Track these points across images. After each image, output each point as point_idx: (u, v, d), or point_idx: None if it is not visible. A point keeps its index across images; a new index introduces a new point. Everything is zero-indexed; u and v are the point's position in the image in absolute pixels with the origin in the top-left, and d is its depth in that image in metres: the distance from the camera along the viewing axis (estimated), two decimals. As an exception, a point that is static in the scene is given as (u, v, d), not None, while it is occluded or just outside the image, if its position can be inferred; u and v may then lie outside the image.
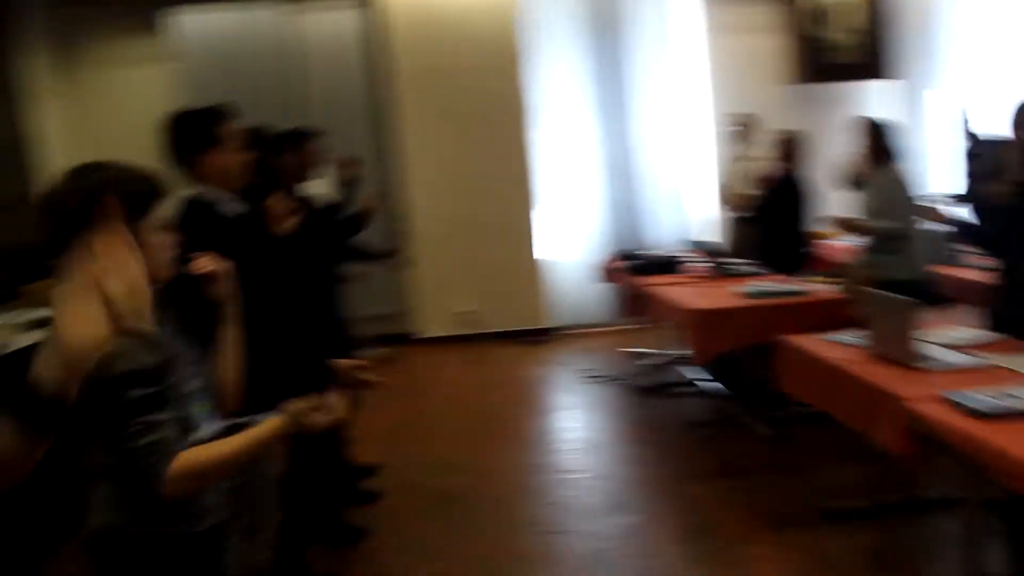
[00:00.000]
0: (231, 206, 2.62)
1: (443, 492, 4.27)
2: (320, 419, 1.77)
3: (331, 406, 1.81)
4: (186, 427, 1.73)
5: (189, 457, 1.65)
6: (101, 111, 7.29)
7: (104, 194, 1.68)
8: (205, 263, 1.92)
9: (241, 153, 2.62)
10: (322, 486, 3.80)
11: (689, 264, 5.59)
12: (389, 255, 4.47)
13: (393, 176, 7.44)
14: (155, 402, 1.63)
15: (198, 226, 2.51)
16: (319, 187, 4.31)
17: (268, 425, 1.75)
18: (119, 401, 1.60)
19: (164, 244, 1.81)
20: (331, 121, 7.21)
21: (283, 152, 4.01)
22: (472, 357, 6.98)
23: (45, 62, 7.15)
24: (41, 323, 3.29)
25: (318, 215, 3.99)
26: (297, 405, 1.76)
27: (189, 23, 7.15)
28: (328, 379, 3.32)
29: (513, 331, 7.35)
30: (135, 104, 7.07)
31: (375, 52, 7.36)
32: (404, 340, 7.48)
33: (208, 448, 1.71)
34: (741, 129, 6.35)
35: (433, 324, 7.47)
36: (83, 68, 7.46)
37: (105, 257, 1.64)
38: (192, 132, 2.60)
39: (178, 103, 6.94)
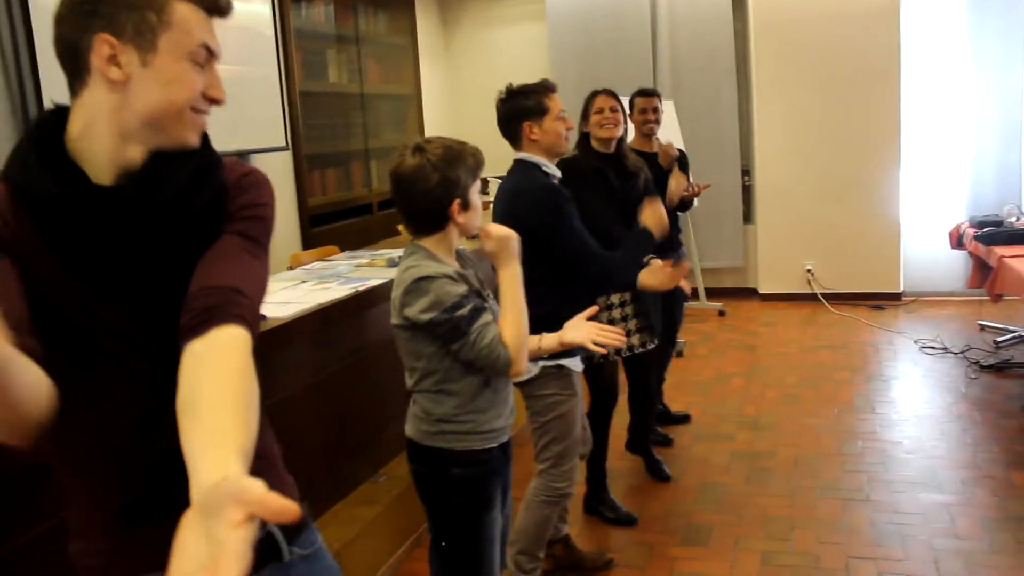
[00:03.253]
0: (552, 168, 2.91)
1: (749, 447, 4.41)
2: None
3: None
4: None
5: (506, 335, 2.09)
6: (472, 70, 8.01)
7: (457, 186, 2.09)
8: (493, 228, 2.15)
9: (564, 122, 2.88)
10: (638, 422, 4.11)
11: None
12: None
13: (744, 130, 7.46)
14: (478, 312, 2.08)
15: (528, 183, 2.87)
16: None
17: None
18: (456, 323, 2.05)
19: (480, 206, 2.18)
20: (697, 77, 7.39)
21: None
22: (808, 316, 6.91)
23: (434, 23, 7.99)
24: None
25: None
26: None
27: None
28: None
29: (855, 293, 7.14)
30: (504, 63, 7.70)
31: (740, 6, 7.37)
32: (745, 294, 7.57)
33: (502, 321, 2.12)
34: None
35: (773, 280, 7.46)
36: (461, 28, 8.21)
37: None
38: (522, 103, 2.86)
39: (546, 62, 7.53)
